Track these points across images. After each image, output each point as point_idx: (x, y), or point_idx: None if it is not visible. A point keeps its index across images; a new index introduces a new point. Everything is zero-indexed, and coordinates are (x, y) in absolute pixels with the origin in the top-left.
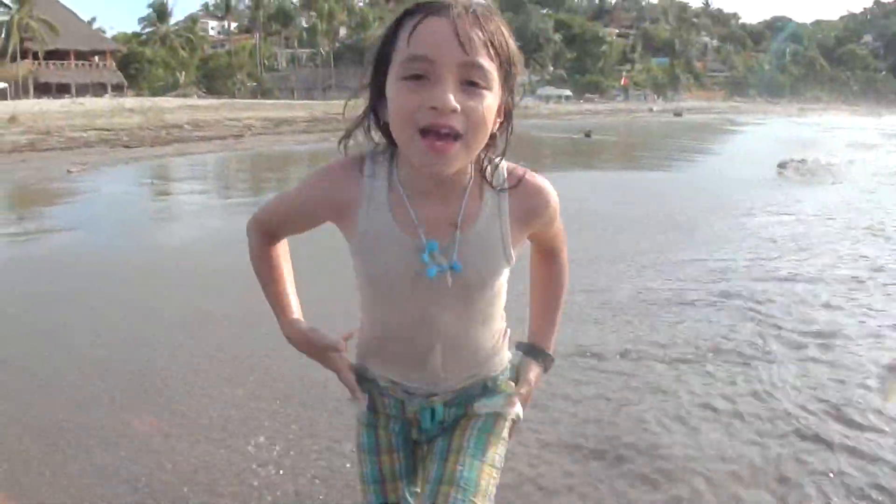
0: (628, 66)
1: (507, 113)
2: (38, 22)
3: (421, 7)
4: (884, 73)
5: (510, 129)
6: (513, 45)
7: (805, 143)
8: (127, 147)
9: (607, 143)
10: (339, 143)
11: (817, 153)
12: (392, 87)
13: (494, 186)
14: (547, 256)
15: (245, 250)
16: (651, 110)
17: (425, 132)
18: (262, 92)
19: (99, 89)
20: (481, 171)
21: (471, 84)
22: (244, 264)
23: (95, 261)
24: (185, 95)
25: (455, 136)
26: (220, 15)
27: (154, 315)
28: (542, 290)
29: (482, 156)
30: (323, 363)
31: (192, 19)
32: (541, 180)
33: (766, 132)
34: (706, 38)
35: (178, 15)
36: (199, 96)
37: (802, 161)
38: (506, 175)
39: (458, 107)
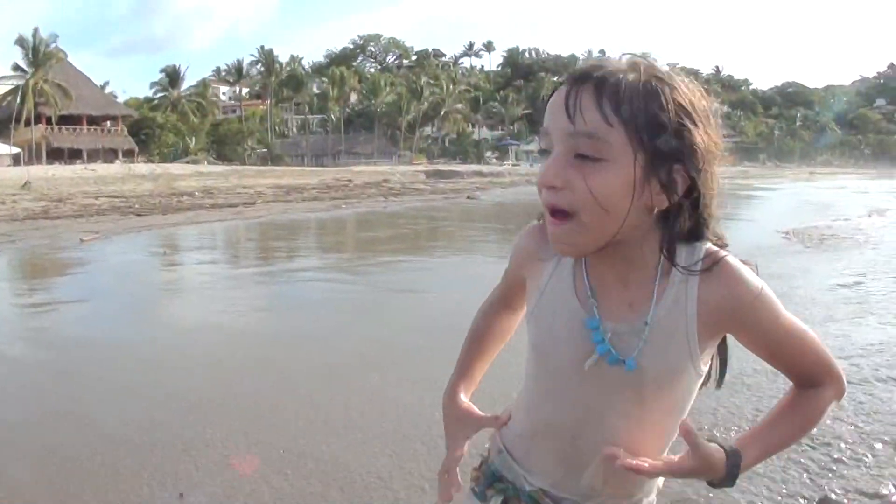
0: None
1: (665, 185)
2: (52, 86)
3: (554, 85)
4: None
5: (697, 204)
6: (673, 107)
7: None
8: (138, 215)
9: None
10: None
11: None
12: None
13: (678, 266)
14: (796, 386)
15: (258, 332)
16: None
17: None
18: (273, 158)
19: (110, 155)
20: (670, 254)
21: (581, 157)
22: (254, 342)
23: (106, 337)
24: (195, 162)
25: (566, 214)
26: (231, 80)
27: (163, 396)
28: (782, 408)
29: (664, 234)
30: (452, 444)
31: (204, 84)
32: (738, 265)
33: (786, 196)
34: (717, 105)
35: (189, 80)
36: (209, 162)
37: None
38: (701, 256)
39: (559, 182)
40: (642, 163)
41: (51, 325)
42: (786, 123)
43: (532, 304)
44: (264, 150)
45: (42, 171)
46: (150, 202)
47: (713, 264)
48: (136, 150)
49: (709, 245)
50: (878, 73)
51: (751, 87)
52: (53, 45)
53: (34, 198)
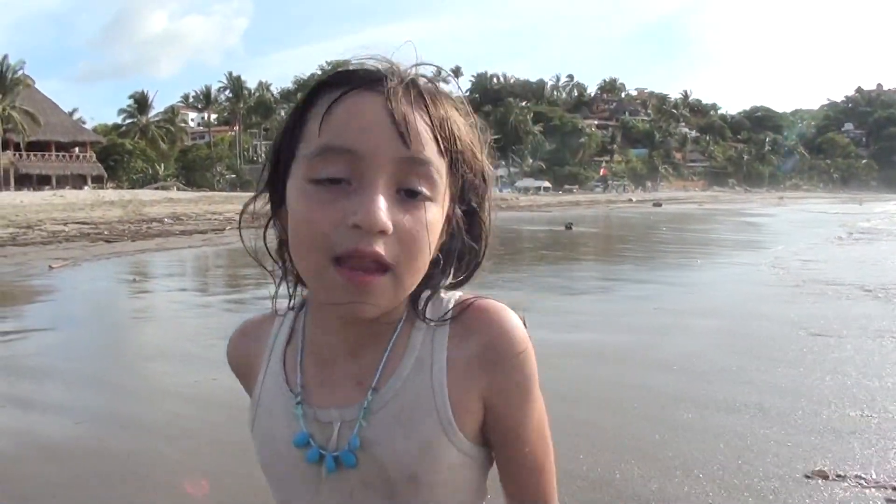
0: (607, 157)
1: (452, 225)
2: (20, 113)
3: (342, 76)
4: (865, 160)
5: (464, 247)
6: (466, 133)
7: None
8: (108, 241)
9: (588, 235)
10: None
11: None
12: (295, 193)
13: (427, 321)
14: (512, 490)
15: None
16: (631, 201)
17: (341, 260)
18: (242, 184)
19: (79, 181)
20: (414, 306)
21: (410, 193)
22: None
23: (74, 368)
24: (165, 188)
25: (384, 268)
26: (199, 106)
27: (134, 425)
28: None
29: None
30: None
31: (173, 110)
32: (501, 309)
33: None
34: (685, 129)
35: (158, 106)
36: (178, 188)
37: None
38: (450, 306)
39: (390, 226)
40: (450, 200)
41: (17, 353)
42: (755, 148)
43: (251, 417)
44: (233, 175)
45: (10, 198)
46: (119, 228)
47: (466, 308)
48: (106, 176)
49: (459, 294)
50: (845, 97)
51: (719, 112)
52: (21, 72)
53: (2, 224)
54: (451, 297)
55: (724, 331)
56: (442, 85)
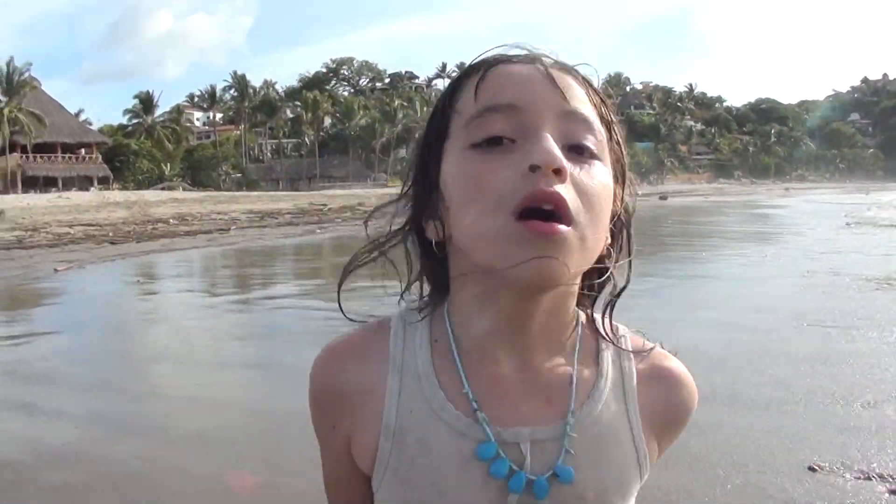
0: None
1: (618, 207)
2: (26, 115)
3: (491, 58)
4: (872, 150)
5: (628, 245)
6: (614, 116)
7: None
8: (113, 243)
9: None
10: (403, 293)
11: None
12: (455, 166)
13: (615, 343)
14: None
15: (235, 361)
16: (637, 194)
17: (521, 215)
18: (247, 183)
19: (85, 182)
20: (590, 319)
21: (577, 149)
22: (230, 374)
23: (78, 372)
24: (170, 188)
25: (567, 220)
26: (205, 106)
27: (139, 428)
28: None
29: (586, 289)
30: None
31: (178, 110)
32: (682, 366)
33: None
34: (690, 122)
35: (163, 106)
36: (184, 188)
37: None
38: (627, 337)
39: (569, 167)
40: (616, 179)
41: (23, 357)
42: (760, 139)
43: (384, 453)
44: (239, 175)
45: (16, 200)
46: (124, 230)
47: (654, 356)
48: (111, 177)
49: (622, 326)
50: (851, 87)
51: (724, 104)
52: (27, 74)
53: (8, 227)
54: (623, 329)
55: (726, 323)
56: None
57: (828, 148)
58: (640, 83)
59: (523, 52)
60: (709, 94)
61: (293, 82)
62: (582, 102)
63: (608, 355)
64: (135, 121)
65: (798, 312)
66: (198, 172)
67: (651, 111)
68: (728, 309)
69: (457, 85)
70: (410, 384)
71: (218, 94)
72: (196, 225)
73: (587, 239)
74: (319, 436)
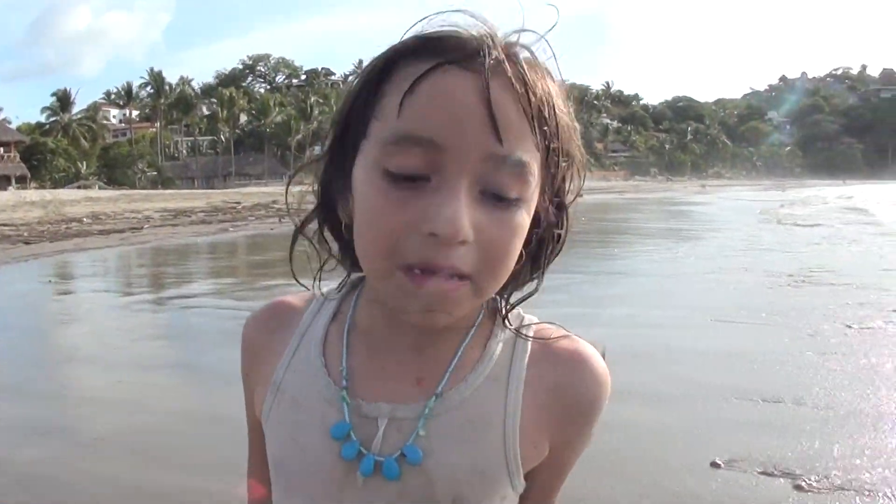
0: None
1: (541, 220)
2: None
3: (429, 44)
4: (789, 148)
5: (552, 248)
6: (565, 116)
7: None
8: (27, 243)
9: None
10: (313, 277)
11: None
12: (364, 182)
13: (512, 330)
14: None
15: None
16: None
17: (412, 266)
18: (163, 181)
19: (3, 181)
20: (494, 308)
21: (497, 198)
22: (144, 372)
23: None
24: (85, 186)
25: (459, 276)
26: (121, 103)
27: (52, 431)
28: None
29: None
30: None
31: (94, 107)
32: (590, 349)
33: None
34: (607, 120)
35: (81, 103)
36: (100, 187)
37: None
38: (531, 325)
39: (472, 235)
40: (540, 193)
41: None
42: (676, 137)
43: (266, 405)
44: (155, 173)
45: None
46: (38, 230)
47: (555, 340)
48: (29, 176)
49: (536, 318)
50: (769, 85)
51: (641, 102)
52: None
53: None
54: (531, 318)
55: (636, 319)
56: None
57: (745, 146)
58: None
59: (473, 37)
60: (626, 92)
61: (210, 79)
62: (518, 140)
63: (499, 345)
64: (52, 119)
65: (707, 308)
66: (114, 171)
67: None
68: (639, 305)
69: (384, 70)
70: (303, 349)
71: (134, 92)
72: (110, 224)
73: (483, 289)
74: (243, 384)
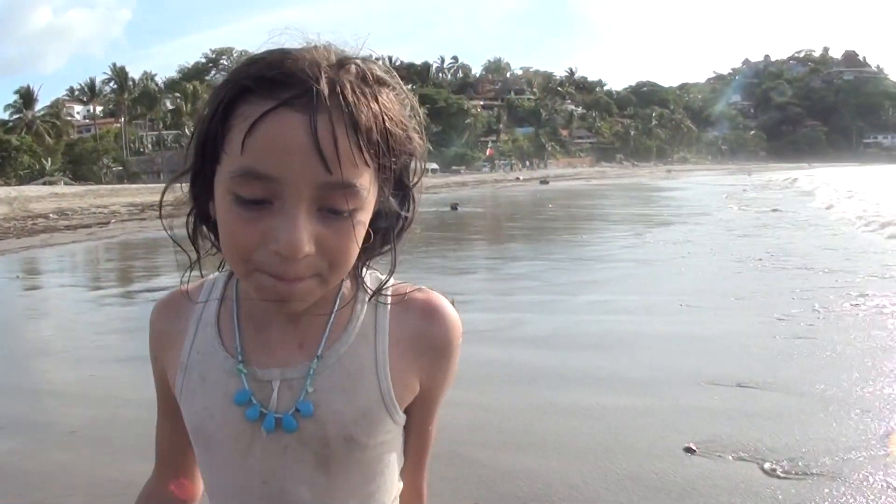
0: (493, 137)
1: (386, 214)
2: None
3: (265, 81)
4: (753, 132)
5: (400, 227)
6: (399, 118)
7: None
8: None
9: (474, 215)
10: (185, 273)
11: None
12: (220, 202)
13: (373, 295)
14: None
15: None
16: (518, 179)
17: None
18: (129, 176)
19: None
20: (356, 279)
21: (334, 212)
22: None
23: None
24: (51, 183)
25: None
26: (85, 99)
27: (18, 426)
28: None
29: (358, 263)
30: None
31: (58, 104)
32: (438, 297)
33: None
34: (571, 106)
35: (44, 100)
36: (65, 183)
37: None
38: (389, 292)
39: (313, 249)
40: (378, 195)
41: None
42: (641, 122)
43: (179, 384)
44: (120, 168)
45: None
46: (4, 226)
47: (409, 295)
48: None
49: (393, 280)
50: (732, 69)
51: (605, 88)
52: None
53: None
54: (384, 277)
55: (604, 304)
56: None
57: (709, 130)
58: (521, 69)
59: (304, 71)
60: (589, 79)
61: (173, 73)
62: (347, 165)
63: (363, 307)
64: (16, 116)
65: (676, 293)
66: (79, 166)
67: (531, 96)
68: (608, 291)
69: (233, 101)
70: (201, 332)
71: (98, 87)
72: (76, 219)
73: (328, 279)
74: (152, 367)
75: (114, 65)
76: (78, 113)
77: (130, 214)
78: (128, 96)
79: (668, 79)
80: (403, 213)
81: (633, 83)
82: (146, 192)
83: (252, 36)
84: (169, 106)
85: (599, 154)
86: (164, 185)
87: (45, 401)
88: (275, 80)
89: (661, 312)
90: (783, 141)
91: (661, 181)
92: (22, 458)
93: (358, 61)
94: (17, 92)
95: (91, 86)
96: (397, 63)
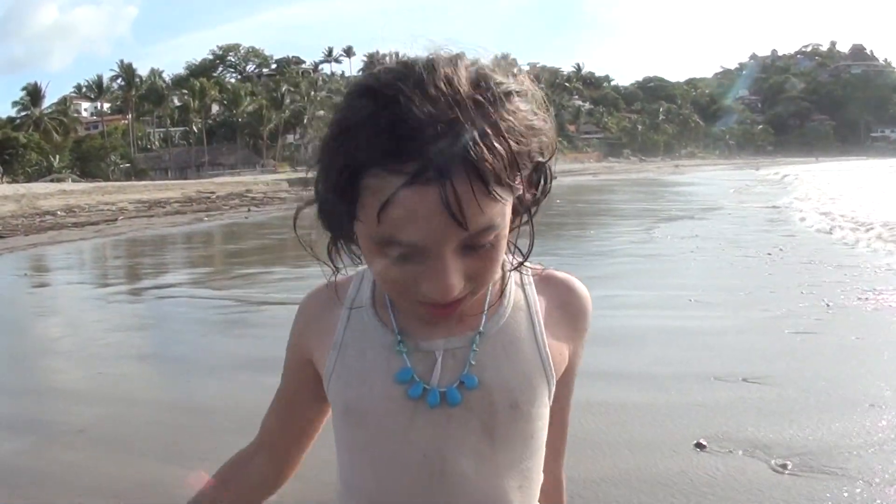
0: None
1: (520, 199)
2: None
3: (387, 156)
4: (761, 126)
5: (536, 204)
6: (529, 122)
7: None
8: (1, 237)
9: None
10: (330, 277)
11: None
12: (364, 244)
13: (522, 270)
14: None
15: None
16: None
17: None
18: (136, 172)
19: None
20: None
21: (478, 246)
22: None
23: None
24: (59, 180)
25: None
26: (92, 96)
27: (29, 426)
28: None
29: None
30: None
31: (65, 101)
32: (570, 275)
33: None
34: (578, 102)
35: (51, 97)
36: (73, 180)
37: None
38: (528, 268)
39: (462, 283)
40: (516, 197)
41: None
42: (648, 118)
43: (330, 363)
44: (128, 164)
45: None
46: (12, 223)
47: (545, 274)
48: (1, 170)
49: (530, 251)
50: (739, 63)
51: (612, 84)
52: None
53: None
54: (527, 263)
55: (613, 300)
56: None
57: (717, 125)
58: (528, 64)
59: (418, 129)
60: (597, 74)
61: (180, 70)
62: (482, 215)
63: (512, 282)
64: (23, 113)
65: (682, 288)
66: (87, 163)
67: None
68: (617, 287)
69: (357, 169)
70: (356, 314)
71: (105, 84)
72: (84, 216)
73: (479, 292)
74: (287, 355)
75: (121, 61)
76: (85, 110)
77: (138, 211)
78: (135, 93)
79: (675, 74)
80: (538, 193)
81: (641, 78)
82: (154, 189)
83: (259, 32)
84: (176, 102)
85: (607, 149)
86: (172, 181)
87: (52, 400)
88: (397, 152)
89: (670, 307)
90: (791, 135)
91: (669, 176)
92: (30, 458)
93: (481, 81)
94: (24, 89)
95: (98, 83)
96: (405, 58)
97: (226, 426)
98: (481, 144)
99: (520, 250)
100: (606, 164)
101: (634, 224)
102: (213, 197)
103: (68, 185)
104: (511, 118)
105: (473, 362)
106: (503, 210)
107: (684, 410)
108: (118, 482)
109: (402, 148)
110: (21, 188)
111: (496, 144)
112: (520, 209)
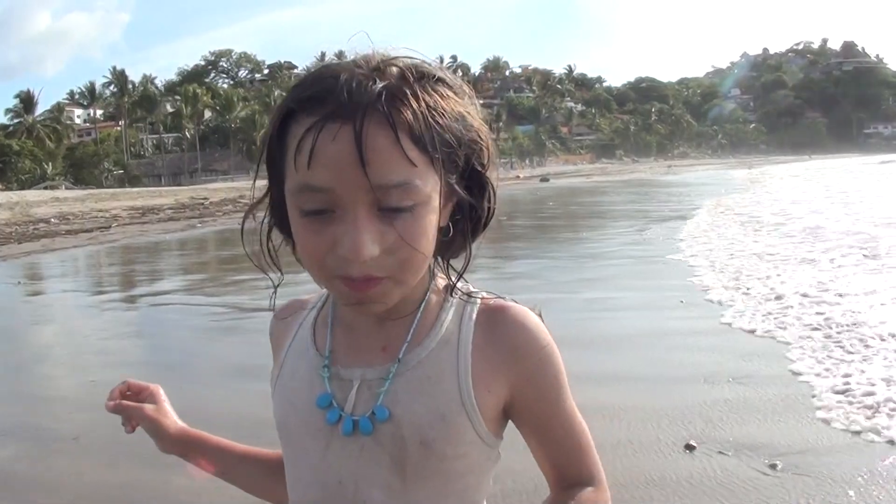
0: (493, 136)
1: (461, 206)
2: None
3: (306, 101)
4: (753, 125)
5: (482, 221)
6: (453, 110)
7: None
8: None
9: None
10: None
11: None
12: (291, 216)
13: (459, 295)
14: (557, 487)
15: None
16: (518, 177)
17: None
18: (129, 179)
19: None
20: (446, 284)
21: (394, 209)
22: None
23: None
24: (52, 187)
25: (377, 279)
26: (85, 103)
27: (26, 433)
28: None
29: (441, 263)
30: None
31: (58, 108)
32: (517, 306)
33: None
34: (570, 104)
35: (44, 104)
36: (66, 187)
37: None
38: (479, 296)
39: (377, 250)
40: (443, 188)
41: None
42: (641, 118)
43: (273, 379)
44: (121, 171)
45: None
46: (6, 231)
47: (491, 304)
48: None
49: (475, 289)
50: (731, 63)
51: (604, 85)
52: None
53: None
54: (476, 290)
55: (600, 302)
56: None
57: (709, 124)
58: (520, 67)
59: (340, 87)
60: (588, 75)
61: (172, 76)
62: (394, 166)
63: (448, 314)
64: (16, 120)
65: (676, 289)
66: (80, 170)
67: (531, 94)
68: (608, 288)
69: (286, 122)
70: (300, 332)
71: (98, 91)
72: (77, 224)
73: (403, 280)
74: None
75: (113, 68)
76: (78, 117)
77: (131, 218)
78: (128, 99)
79: (666, 74)
80: (478, 203)
81: (632, 79)
82: (147, 196)
83: (251, 38)
84: (169, 109)
85: (600, 151)
86: (165, 188)
87: (47, 407)
88: (315, 97)
89: (661, 309)
90: (783, 133)
91: (662, 176)
92: (24, 465)
93: (399, 63)
94: (16, 96)
95: (91, 89)
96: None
97: (219, 433)
98: (396, 97)
99: (462, 277)
100: (599, 165)
101: (627, 225)
102: (207, 203)
103: (62, 193)
104: (437, 97)
105: (387, 391)
106: (420, 176)
107: (675, 411)
108: (112, 489)
109: (320, 94)
110: (14, 196)
111: (412, 104)
112: (460, 211)
